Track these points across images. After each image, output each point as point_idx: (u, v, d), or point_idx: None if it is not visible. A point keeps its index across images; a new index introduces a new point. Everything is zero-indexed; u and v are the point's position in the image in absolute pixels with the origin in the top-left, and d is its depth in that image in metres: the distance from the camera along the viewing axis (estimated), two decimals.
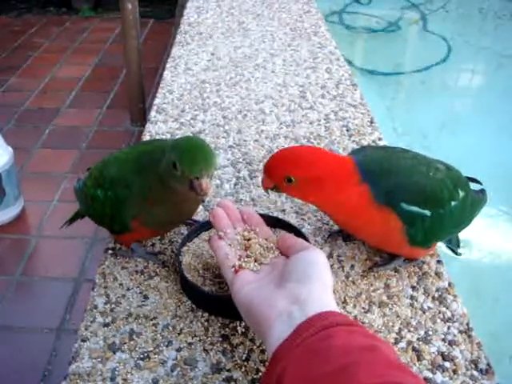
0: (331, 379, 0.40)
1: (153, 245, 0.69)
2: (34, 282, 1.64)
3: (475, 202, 0.68)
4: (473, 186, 0.69)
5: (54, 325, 1.48)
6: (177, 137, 0.92)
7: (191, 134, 0.93)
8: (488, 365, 0.54)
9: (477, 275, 1.16)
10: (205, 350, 0.55)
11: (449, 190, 0.62)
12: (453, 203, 0.62)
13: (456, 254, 0.73)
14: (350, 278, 0.64)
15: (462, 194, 0.63)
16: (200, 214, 0.74)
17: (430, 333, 0.57)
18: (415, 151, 0.66)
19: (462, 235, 0.72)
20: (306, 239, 0.62)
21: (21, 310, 1.54)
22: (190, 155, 0.54)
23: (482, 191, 0.71)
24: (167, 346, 0.55)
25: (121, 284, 0.63)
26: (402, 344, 0.56)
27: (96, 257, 1.70)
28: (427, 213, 0.60)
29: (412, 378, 0.41)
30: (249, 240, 0.58)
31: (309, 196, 0.61)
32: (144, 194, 0.59)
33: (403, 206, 0.59)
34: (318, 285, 0.49)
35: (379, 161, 0.62)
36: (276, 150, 0.60)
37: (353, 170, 0.59)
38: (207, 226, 0.66)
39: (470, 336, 0.57)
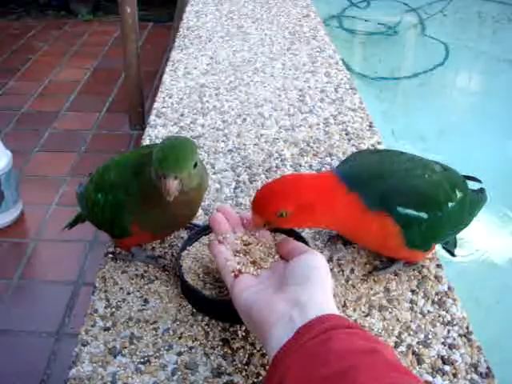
0: (332, 383, 0.41)
1: (153, 249, 0.69)
2: (33, 286, 1.64)
3: (474, 201, 0.68)
4: (472, 184, 0.69)
5: (52, 328, 1.47)
6: None
7: (191, 138, 0.93)
8: (488, 368, 0.54)
9: (475, 278, 1.16)
10: (205, 354, 0.55)
11: (445, 191, 0.62)
12: (450, 204, 0.62)
13: (452, 255, 0.73)
14: (350, 282, 0.64)
15: (459, 194, 0.63)
16: (200, 218, 0.74)
17: (430, 336, 0.58)
18: (412, 154, 0.67)
19: (460, 237, 0.73)
20: (306, 243, 0.63)
21: (19, 314, 1.54)
22: (163, 153, 0.55)
23: (482, 190, 0.71)
24: (168, 350, 0.55)
25: (121, 288, 0.63)
26: (402, 348, 0.56)
27: (95, 260, 1.70)
28: (424, 215, 0.60)
29: (413, 381, 0.41)
30: (249, 244, 0.58)
31: (303, 223, 0.61)
32: (140, 197, 0.59)
33: (399, 209, 0.59)
34: (318, 288, 0.50)
35: (368, 167, 0.63)
36: (263, 184, 0.60)
37: (337, 184, 0.59)
38: (207, 229, 0.66)
39: (469, 339, 0.57)
